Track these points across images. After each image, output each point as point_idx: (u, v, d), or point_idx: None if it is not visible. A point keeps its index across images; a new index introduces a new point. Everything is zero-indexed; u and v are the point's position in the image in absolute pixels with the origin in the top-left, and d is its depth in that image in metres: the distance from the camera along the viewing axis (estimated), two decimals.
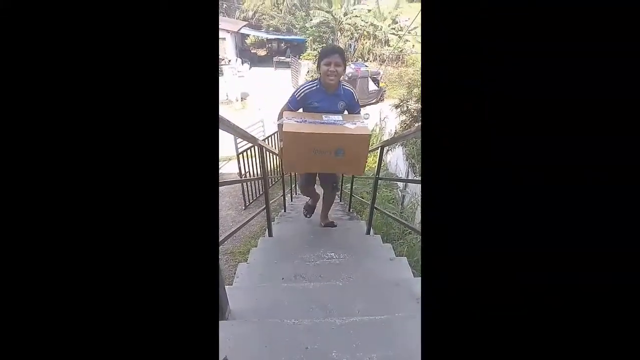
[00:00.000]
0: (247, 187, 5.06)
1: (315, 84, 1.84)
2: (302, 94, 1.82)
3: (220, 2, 16.13)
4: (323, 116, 1.76)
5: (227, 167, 6.79)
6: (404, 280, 1.41)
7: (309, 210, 2.57)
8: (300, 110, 1.87)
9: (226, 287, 1.10)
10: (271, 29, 15.84)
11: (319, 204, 2.51)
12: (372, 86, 11.20)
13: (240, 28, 15.15)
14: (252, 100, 12.04)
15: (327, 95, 1.83)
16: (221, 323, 0.95)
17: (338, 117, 1.77)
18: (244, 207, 4.98)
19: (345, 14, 14.26)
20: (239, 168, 5.11)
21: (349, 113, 1.94)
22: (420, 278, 1.27)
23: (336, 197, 2.86)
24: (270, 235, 2.24)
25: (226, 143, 6.21)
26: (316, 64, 1.82)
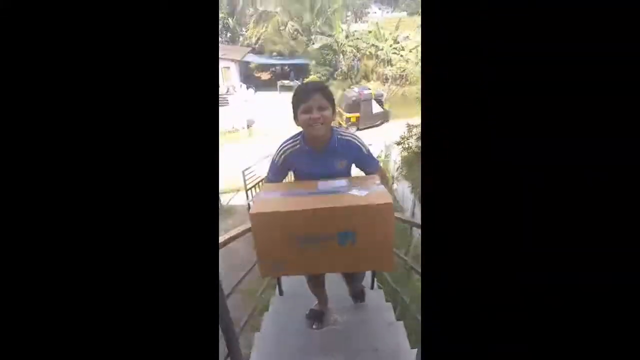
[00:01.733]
0: None
1: (297, 141, 1.24)
2: (282, 157, 1.25)
3: (224, 31, 16.59)
4: (319, 184, 1.17)
5: (237, 199, 6.80)
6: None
7: (315, 318, 1.71)
8: (286, 180, 1.34)
9: None
10: (274, 54, 16.18)
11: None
12: (376, 108, 11.27)
13: (244, 56, 15.50)
14: (259, 126, 12.21)
15: (316, 154, 1.23)
16: None
17: (342, 182, 1.18)
18: None
19: (347, 37, 14.53)
20: (249, 205, 5.13)
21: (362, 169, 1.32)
22: (416, 350, 1.27)
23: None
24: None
25: (233, 172, 6.26)
26: (293, 114, 1.22)
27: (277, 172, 1.28)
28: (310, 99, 1.15)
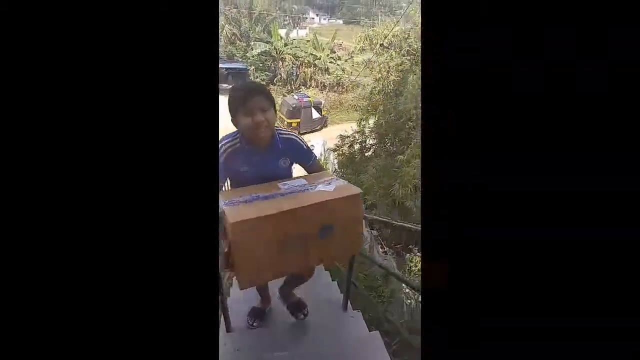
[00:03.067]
0: None
1: (237, 139, 1.19)
2: (224, 157, 1.18)
3: None
4: (279, 185, 1.15)
5: None
6: None
7: (257, 315, 1.64)
8: (227, 182, 1.29)
9: None
10: None
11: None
12: (315, 114, 11.88)
13: None
14: None
15: (258, 154, 1.21)
16: None
17: (301, 181, 1.18)
18: None
19: (285, 45, 14.89)
20: None
21: (304, 168, 1.33)
22: None
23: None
24: None
25: None
26: (230, 117, 1.17)
27: (219, 175, 1.15)
28: (251, 102, 1.12)
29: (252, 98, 1.12)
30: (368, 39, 9.64)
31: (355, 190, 1.13)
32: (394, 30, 7.23)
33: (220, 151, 1.16)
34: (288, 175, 1.28)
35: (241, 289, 1.08)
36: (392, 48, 6.83)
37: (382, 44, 7.47)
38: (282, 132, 1.25)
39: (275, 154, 1.23)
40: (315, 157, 1.35)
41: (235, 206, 1.04)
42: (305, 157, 1.30)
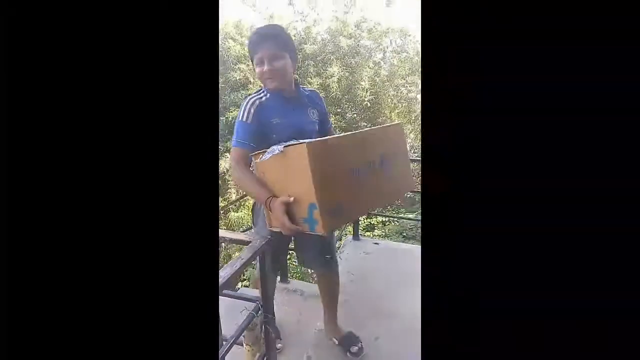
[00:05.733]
0: None
1: (262, 93, 1.10)
2: (252, 112, 1.05)
3: None
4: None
5: None
6: None
7: (352, 341, 1.37)
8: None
9: None
10: None
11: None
12: None
13: None
14: None
15: (288, 104, 1.10)
16: None
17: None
18: None
19: None
20: None
21: (320, 130, 1.19)
22: None
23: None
24: None
25: None
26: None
27: (250, 131, 1.04)
28: (261, 50, 1.04)
29: (261, 45, 1.04)
30: None
31: (397, 125, 1.17)
32: None
33: (247, 105, 1.07)
34: (317, 129, 1.18)
35: (325, 233, 0.88)
36: None
37: None
38: (304, 86, 1.21)
39: (303, 104, 1.16)
40: (331, 124, 1.29)
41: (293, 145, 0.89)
42: (326, 116, 1.24)
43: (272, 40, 1.04)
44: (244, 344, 1.00)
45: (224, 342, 0.88)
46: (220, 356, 0.81)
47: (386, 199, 1.21)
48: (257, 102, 1.07)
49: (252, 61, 1.11)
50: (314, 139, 0.90)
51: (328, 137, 1.01)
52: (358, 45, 5.40)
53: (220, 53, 5.49)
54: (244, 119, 1.04)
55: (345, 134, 1.02)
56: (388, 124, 1.15)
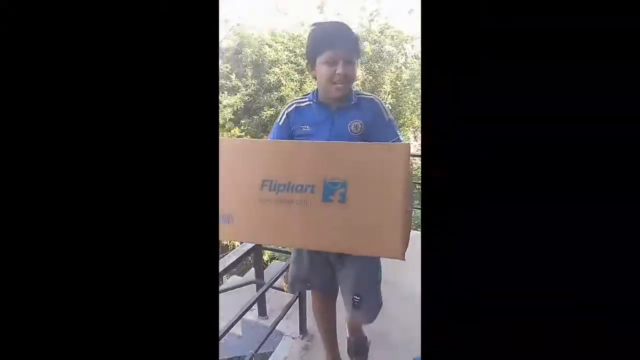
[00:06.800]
0: None
1: (306, 99, 1.03)
2: (286, 114, 1.02)
3: None
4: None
5: None
6: None
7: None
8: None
9: None
10: None
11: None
12: None
13: None
14: None
15: (328, 113, 0.99)
16: None
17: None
18: None
19: None
20: None
21: (372, 141, 0.94)
22: None
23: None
24: None
25: None
26: (306, 63, 1.02)
27: (279, 134, 1.02)
28: (340, 48, 0.91)
29: (340, 44, 0.91)
30: None
31: (405, 146, 0.75)
32: None
33: (286, 108, 1.03)
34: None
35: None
36: None
37: None
38: (361, 93, 1.02)
39: (347, 114, 0.98)
40: (399, 136, 1.01)
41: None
42: (384, 128, 0.98)
43: (349, 42, 0.93)
44: None
45: None
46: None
47: (335, 249, 0.82)
48: (295, 106, 1.02)
49: (307, 57, 0.99)
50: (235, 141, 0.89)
51: (247, 138, 0.96)
52: (381, 50, 5.84)
53: (256, 58, 6.13)
54: (279, 122, 1.02)
55: (277, 140, 0.95)
56: (381, 144, 0.84)
